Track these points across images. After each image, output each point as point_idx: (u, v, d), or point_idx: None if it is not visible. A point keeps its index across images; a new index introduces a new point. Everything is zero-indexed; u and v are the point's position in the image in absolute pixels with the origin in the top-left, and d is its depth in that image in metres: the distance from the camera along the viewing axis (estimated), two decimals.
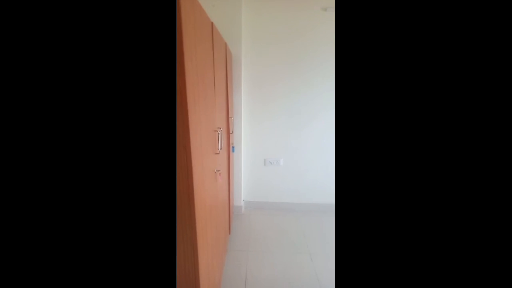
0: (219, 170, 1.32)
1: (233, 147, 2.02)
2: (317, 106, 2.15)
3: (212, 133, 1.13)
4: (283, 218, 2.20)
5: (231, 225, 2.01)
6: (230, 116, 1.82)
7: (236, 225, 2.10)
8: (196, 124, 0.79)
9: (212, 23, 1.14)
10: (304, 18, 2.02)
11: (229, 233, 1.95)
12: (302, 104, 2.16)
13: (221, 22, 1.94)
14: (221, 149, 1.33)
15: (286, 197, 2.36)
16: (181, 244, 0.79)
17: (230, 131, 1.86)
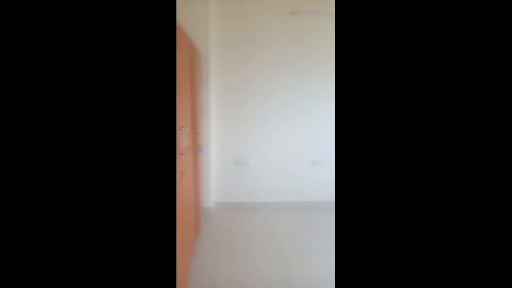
0: (183, 172, 1.28)
1: (200, 147, 1.97)
2: (287, 106, 2.20)
3: None
4: (255, 218, 2.21)
5: (199, 228, 1.96)
6: (196, 115, 1.78)
7: (205, 227, 2.05)
8: None
9: None
10: (273, 21, 2.05)
11: (197, 236, 1.90)
12: (272, 105, 2.19)
13: (188, 21, 1.89)
14: (185, 149, 1.29)
15: (257, 196, 2.37)
16: None
17: (197, 131, 1.82)
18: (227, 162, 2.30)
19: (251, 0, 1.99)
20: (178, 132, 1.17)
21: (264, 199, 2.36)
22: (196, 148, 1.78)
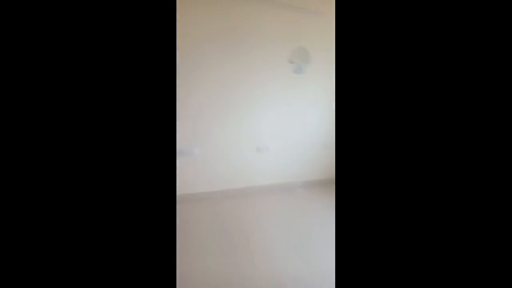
0: None
1: None
2: (231, 93, 2.08)
3: None
4: (200, 209, 2.08)
5: None
6: None
7: None
8: None
9: None
10: (213, 7, 1.89)
11: None
12: (216, 94, 2.06)
13: None
14: None
15: (203, 186, 2.22)
16: None
17: None
18: None
19: None
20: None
21: (210, 189, 2.24)
22: None
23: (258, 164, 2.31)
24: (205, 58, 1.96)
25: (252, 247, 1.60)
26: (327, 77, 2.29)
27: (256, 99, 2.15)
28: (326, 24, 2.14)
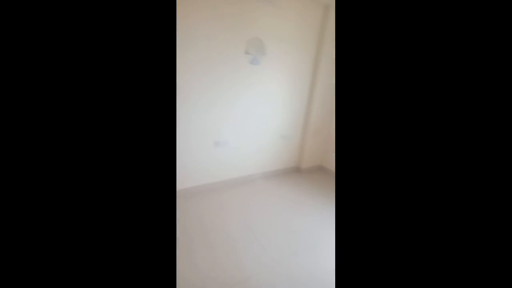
0: None
1: None
2: (187, 87, 1.94)
3: None
4: None
5: None
6: None
7: None
8: None
9: None
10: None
11: None
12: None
13: None
14: None
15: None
16: None
17: None
18: None
19: None
20: None
21: (180, 186, 2.10)
22: None
23: (218, 159, 2.23)
24: None
25: (215, 244, 1.57)
26: (283, 67, 2.31)
27: (215, 93, 2.04)
28: (281, 15, 2.13)
